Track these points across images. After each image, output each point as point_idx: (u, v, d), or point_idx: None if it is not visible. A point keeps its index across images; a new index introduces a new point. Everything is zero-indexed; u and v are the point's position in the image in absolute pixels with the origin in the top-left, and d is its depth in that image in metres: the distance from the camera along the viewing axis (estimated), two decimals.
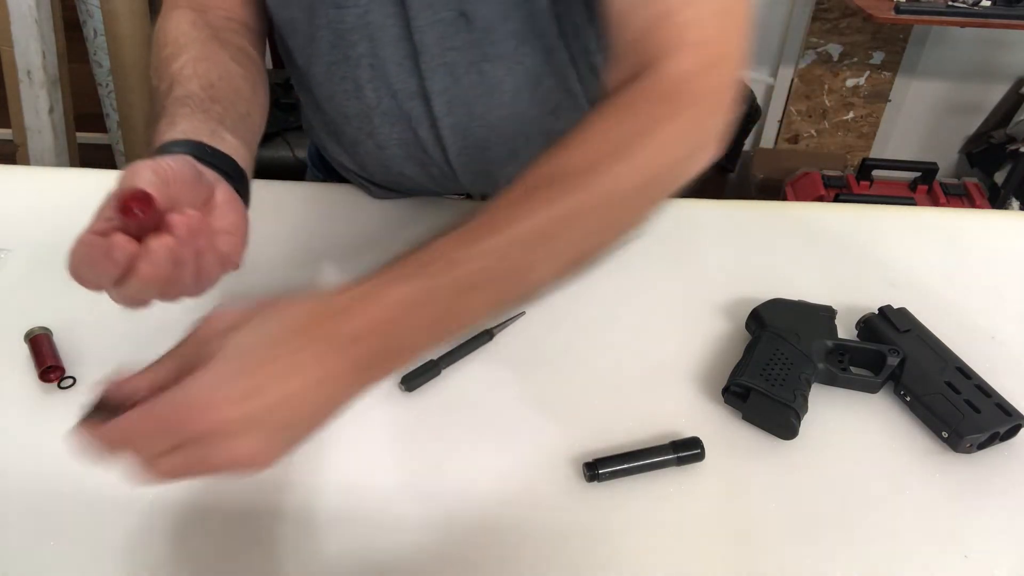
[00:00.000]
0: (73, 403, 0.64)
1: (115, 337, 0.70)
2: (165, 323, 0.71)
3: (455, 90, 0.73)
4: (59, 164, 1.98)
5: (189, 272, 0.49)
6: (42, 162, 1.96)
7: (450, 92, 0.73)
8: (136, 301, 0.50)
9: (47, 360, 0.66)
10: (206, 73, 0.62)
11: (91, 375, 0.66)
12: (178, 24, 0.68)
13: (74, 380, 0.66)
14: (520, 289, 0.49)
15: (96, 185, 0.93)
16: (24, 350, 0.68)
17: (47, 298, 0.74)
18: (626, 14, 0.56)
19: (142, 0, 1.92)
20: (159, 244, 0.47)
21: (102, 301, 0.73)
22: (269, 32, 0.79)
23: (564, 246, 0.49)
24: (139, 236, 0.47)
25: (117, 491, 0.58)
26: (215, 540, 0.56)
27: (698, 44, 0.54)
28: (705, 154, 0.54)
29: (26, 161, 1.97)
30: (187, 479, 0.43)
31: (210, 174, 0.53)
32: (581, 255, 0.51)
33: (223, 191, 0.53)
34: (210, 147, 0.55)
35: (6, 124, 1.99)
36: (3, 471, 0.60)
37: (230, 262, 0.53)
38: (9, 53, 1.84)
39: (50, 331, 0.69)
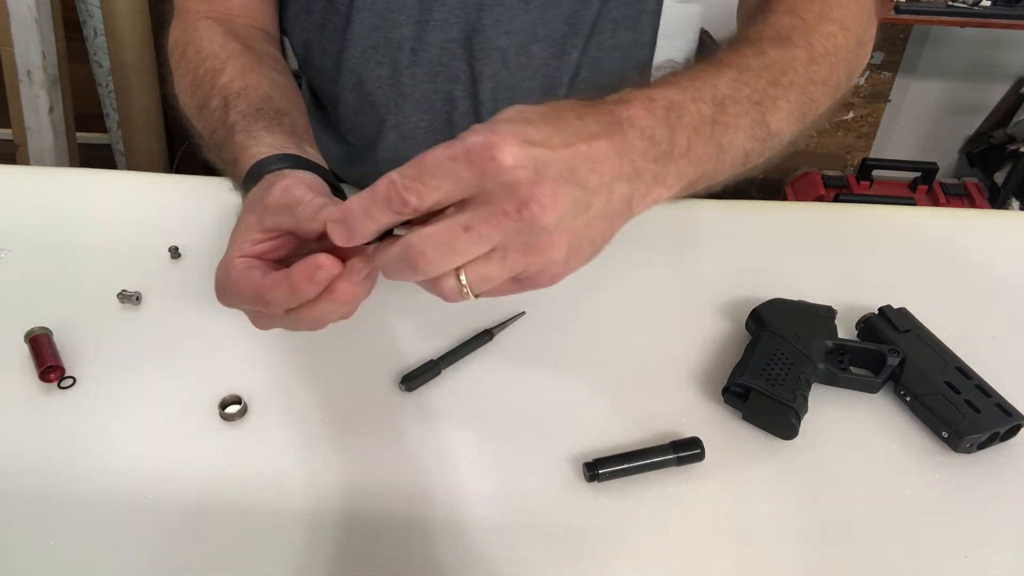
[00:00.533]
0: (73, 403, 0.65)
1: (115, 337, 0.70)
2: (164, 323, 0.72)
3: (503, 75, 0.73)
4: (59, 164, 1.98)
5: (365, 293, 0.46)
6: (42, 162, 1.96)
7: (499, 77, 0.73)
8: (310, 324, 0.46)
9: (47, 360, 0.66)
10: (258, 86, 0.61)
11: (91, 375, 0.67)
12: (211, 37, 0.66)
13: (74, 380, 0.66)
14: (763, 125, 0.50)
15: (96, 185, 0.93)
16: (24, 350, 0.68)
17: (47, 298, 0.74)
18: None
19: (142, 0, 1.92)
20: (361, 263, 0.44)
21: (102, 301, 0.73)
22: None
23: (794, 88, 0.52)
24: (288, 259, 0.45)
25: (117, 491, 0.58)
26: (214, 540, 0.56)
27: None
28: (867, 47, 0.61)
29: (26, 161, 1.97)
30: (489, 269, 0.40)
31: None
32: (806, 106, 0.53)
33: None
34: (310, 160, 0.54)
35: (6, 124, 1.99)
36: (3, 471, 0.59)
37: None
38: (9, 53, 1.84)
39: (50, 331, 0.69)
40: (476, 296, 0.41)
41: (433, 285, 0.41)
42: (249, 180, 0.52)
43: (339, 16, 0.72)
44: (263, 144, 0.55)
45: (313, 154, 0.56)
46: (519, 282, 0.42)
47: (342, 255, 0.43)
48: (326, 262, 0.42)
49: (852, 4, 0.60)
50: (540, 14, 0.71)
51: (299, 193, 0.46)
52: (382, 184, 0.39)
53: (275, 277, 0.44)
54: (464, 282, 0.40)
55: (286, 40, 0.82)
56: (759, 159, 0.52)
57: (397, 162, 0.44)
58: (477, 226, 0.38)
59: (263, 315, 0.46)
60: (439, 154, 0.38)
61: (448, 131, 0.77)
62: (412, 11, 0.70)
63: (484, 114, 0.75)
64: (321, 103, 0.86)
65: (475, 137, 0.38)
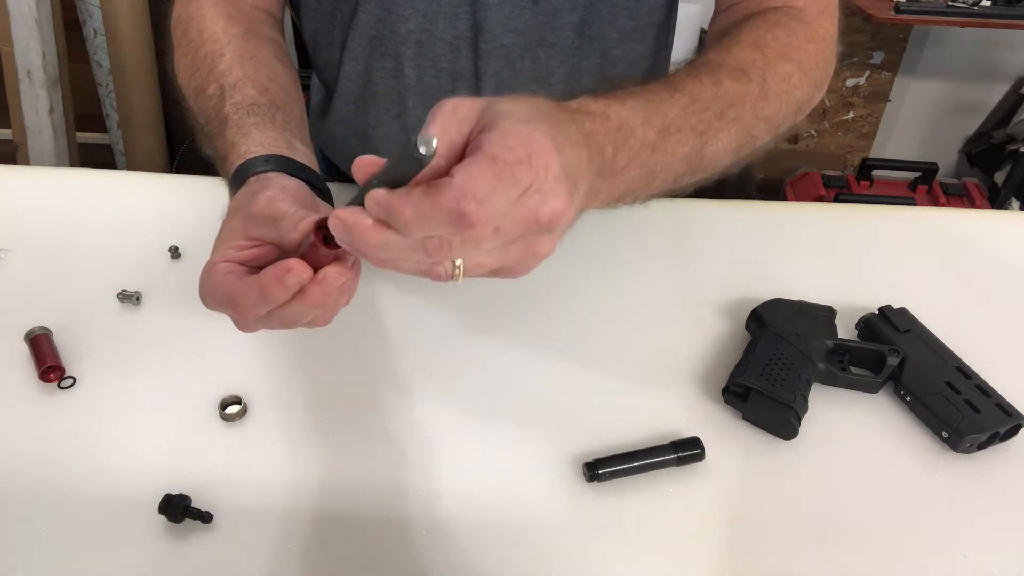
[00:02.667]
0: (73, 403, 0.65)
1: (115, 337, 0.70)
2: (165, 323, 0.72)
3: (507, 73, 0.73)
4: (59, 164, 1.98)
5: (344, 302, 0.47)
6: (42, 162, 1.96)
7: (502, 75, 0.73)
8: (277, 324, 0.47)
9: (47, 360, 0.66)
10: (256, 75, 0.61)
11: (91, 375, 0.67)
12: (213, 19, 0.66)
13: (74, 380, 0.66)
14: (699, 155, 0.53)
15: (96, 185, 0.93)
16: (24, 350, 0.68)
17: (47, 298, 0.74)
18: None
19: (142, 0, 1.92)
20: (336, 272, 0.44)
21: (102, 301, 0.73)
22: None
23: (738, 123, 0.55)
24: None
25: (117, 491, 0.58)
26: (212, 540, 0.56)
27: None
28: (822, 89, 0.64)
29: (26, 161, 1.97)
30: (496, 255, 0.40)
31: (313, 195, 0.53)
32: (745, 141, 0.56)
33: (327, 212, 0.52)
34: (297, 163, 0.54)
35: (6, 124, 1.99)
36: (3, 471, 0.59)
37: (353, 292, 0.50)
38: (9, 53, 1.84)
39: (50, 331, 0.69)
40: (460, 279, 0.41)
41: (427, 269, 0.40)
42: (236, 180, 0.53)
43: (347, 5, 0.73)
44: (252, 143, 0.55)
45: (303, 152, 0.57)
46: (497, 272, 0.43)
47: (316, 265, 0.44)
48: (296, 266, 0.43)
49: (812, 47, 0.63)
50: (549, 19, 0.71)
51: (283, 206, 0.47)
52: (447, 198, 0.36)
53: (247, 281, 0.45)
54: (459, 270, 0.40)
55: (286, 27, 0.81)
56: (688, 183, 0.54)
57: None
58: (506, 228, 0.38)
59: (241, 318, 0.47)
60: (504, 163, 0.37)
61: None
62: (419, 4, 0.70)
63: None
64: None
65: (525, 146, 0.38)
